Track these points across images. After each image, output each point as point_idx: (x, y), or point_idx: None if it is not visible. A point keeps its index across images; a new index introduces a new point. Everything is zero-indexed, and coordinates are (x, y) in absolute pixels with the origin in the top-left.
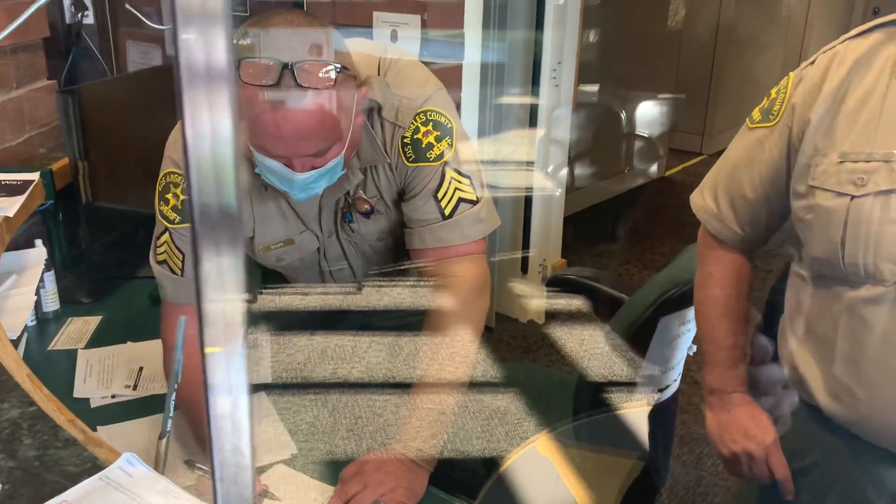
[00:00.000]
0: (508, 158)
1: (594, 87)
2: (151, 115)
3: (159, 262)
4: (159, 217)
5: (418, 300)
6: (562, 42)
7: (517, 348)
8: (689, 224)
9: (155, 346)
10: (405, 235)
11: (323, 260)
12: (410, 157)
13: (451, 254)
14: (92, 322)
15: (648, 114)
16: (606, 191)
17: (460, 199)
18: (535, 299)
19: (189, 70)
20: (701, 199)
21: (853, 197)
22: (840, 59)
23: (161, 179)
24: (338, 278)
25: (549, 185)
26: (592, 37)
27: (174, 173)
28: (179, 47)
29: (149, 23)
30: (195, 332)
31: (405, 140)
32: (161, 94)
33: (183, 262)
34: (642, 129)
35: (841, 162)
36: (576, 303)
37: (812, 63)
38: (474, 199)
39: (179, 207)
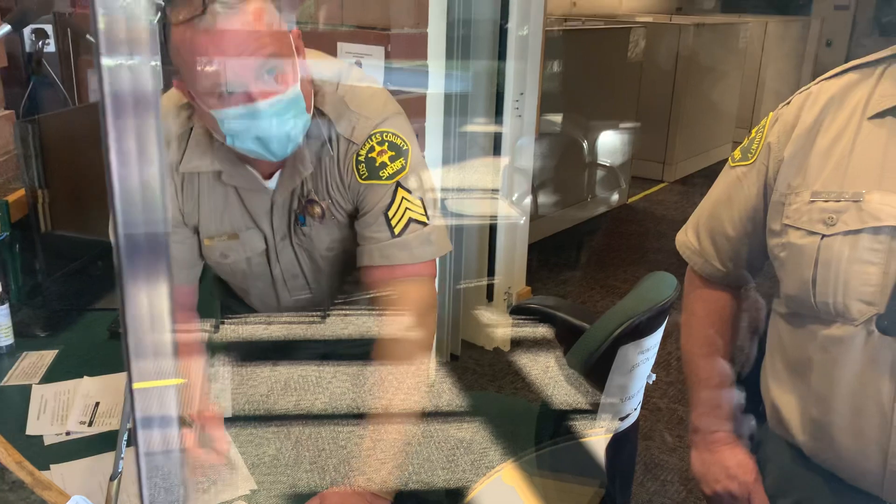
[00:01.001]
0: (474, 186)
1: (557, 117)
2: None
3: None
4: None
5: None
6: (524, 73)
7: (483, 376)
8: (650, 251)
9: (113, 379)
10: (356, 253)
11: (276, 264)
12: (363, 174)
13: (398, 273)
14: (47, 356)
15: (610, 143)
16: (569, 218)
17: (410, 220)
18: (500, 327)
19: (113, 98)
20: (685, 237)
21: (823, 236)
22: (813, 99)
23: None
24: (292, 288)
25: (513, 213)
26: (555, 67)
27: None
28: (103, 74)
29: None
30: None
31: (359, 158)
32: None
33: None
34: (604, 158)
35: (812, 201)
36: (540, 331)
37: (788, 103)
38: (425, 220)
39: None
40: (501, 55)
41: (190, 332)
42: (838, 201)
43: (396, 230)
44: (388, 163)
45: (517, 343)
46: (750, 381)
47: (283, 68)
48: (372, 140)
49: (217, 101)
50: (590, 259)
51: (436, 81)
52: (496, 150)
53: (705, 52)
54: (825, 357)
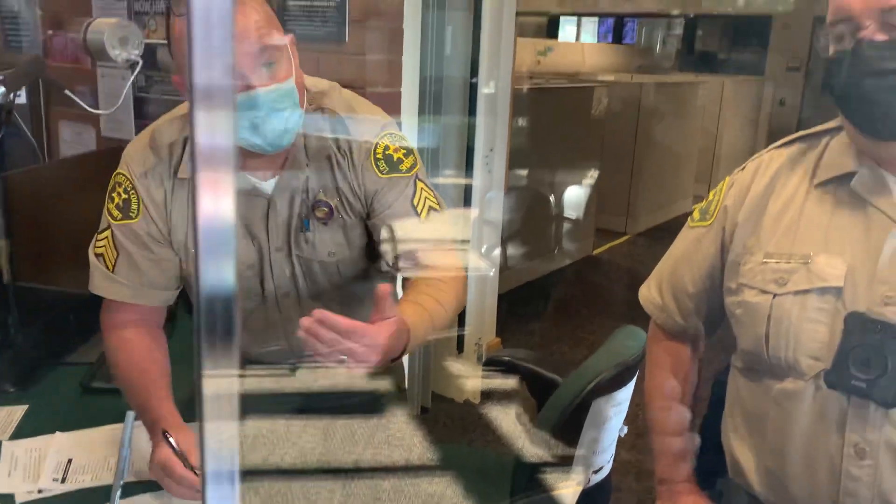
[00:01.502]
0: (443, 238)
1: (524, 171)
2: (82, 198)
3: (96, 255)
4: (105, 214)
5: (354, 382)
6: (494, 129)
7: (454, 429)
8: (615, 302)
9: (86, 435)
10: (382, 251)
11: (269, 279)
12: (384, 169)
13: (432, 249)
14: (17, 412)
15: (575, 196)
16: (537, 270)
17: (430, 208)
18: (470, 379)
19: (201, 151)
20: (648, 292)
21: (775, 295)
22: (765, 166)
23: (111, 180)
24: (283, 308)
25: (483, 265)
26: (522, 123)
27: (121, 174)
28: (195, 125)
29: (84, 105)
30: (132, 335)
31: (377, 155)
32: (92, 178)
33: (116, 260)
34: (570, 211)
35: (765, 262)
36: (510, 383)
37: (742, 169)
38: (438, 207)
39: (121, 206)
40: (472, 111)
41: (154, 347)
42: (789, 262)
43: (423, 217)
44: (404, 158)
45: (487, 395)
46: (712, 431)
47: (280, 63)
48: (385, 139)
49: None
50: (557, 310)
51: (408, 136)
52: (466, 202)
53: (665, 109)
54: (779, 410)
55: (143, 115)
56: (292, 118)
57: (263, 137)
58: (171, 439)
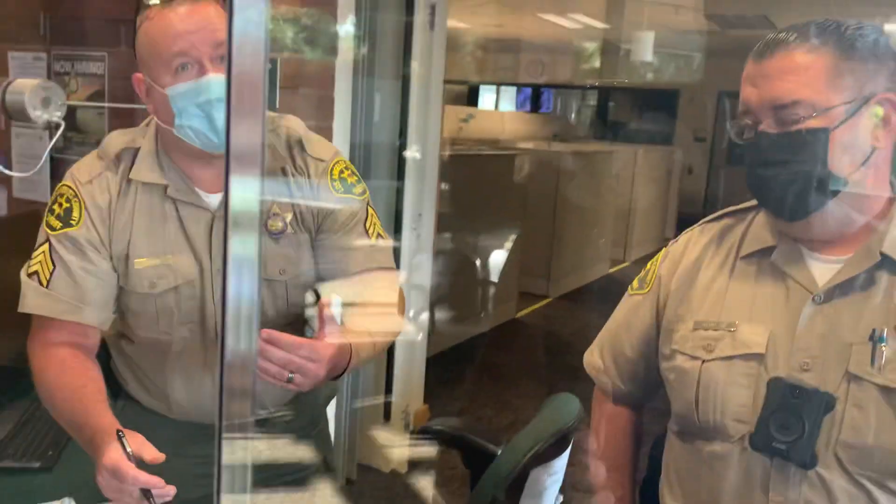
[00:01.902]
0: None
1: (450, 235)
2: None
3: (29, 274)
4: (42, 229)
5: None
6: (421, 193)
7: (380, 500)
8: (539, 365)
9: None
10: (329, 268)
11: (210, 300)
12: (339, 189)
13: (379, 273)
14: None
15: (499, 260)
16: (463, 334)
17: (378, 234)
18: (397, 448)
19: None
20: (590, 357)
21: (704, 360)
22: (696, 239)
23: (53, 194)
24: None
25: (411, 330)
26: (447, 188)
27: (65, 185)
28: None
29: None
30: (65, 355)
31: (333, 175)
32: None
33: (52, 274)
34: (494, 274)
35: (695, 329)
36: (438, 452)
37: (676, 241)
38: (385, 236)
39: (62, 215)
40: (400, 177)
41: (90, 367)
42: (716, 330)
43: (373, 240)
44: (356, 184)
45: (415, 465)
46: (652, 492)
47: None
48: (339, 164)
49: (172, 78)
50: (483, 374)
51: None
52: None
53: (582, 176)
54: (709, 471)
55: (60, 175)
56: None
57: (210, 125)
58: (123, 440)
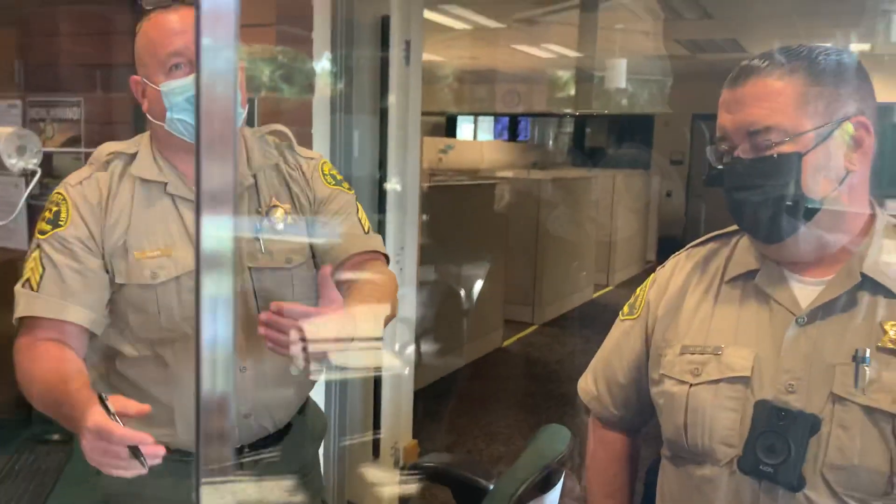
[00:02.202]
0: (356, 336)
1: (434, 267)
2: None
3: (22, 285)
4: (36, 235)
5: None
6: (403, 226)
7: None
8: (528, 394)
9: None
10: (326, 253)
11: None
12: (331, 182)
13: (373, 258)
14: None
15: (483, 289)
16: (449, 365)
17: (370, 227)
18: (387, 485)
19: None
20: (585, 384)
21: (691, 385)
22: (683, 263)
23: (46, 205)
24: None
25: (397, 364)
26: (429, 219)
27: (56, 193)
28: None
29: None
30: (50, 346)
31: (324, 171)
32: None
33: (41, 276)
34: (479, 304)
35: (682, 353)
36: (428, 488)
37: (663, 266)
38: (372, 230)
39: (51, 219)
40: (381, 209)
41: (73, 359)
42: (703, 354)
43: (365, 229)
44: (343, 181)
45: (405, 501)
46: None
47: None
48: (327, 163)
49: (166, 76)
50: (471, 406)
51: None
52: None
53: (562, 202)
54: (700, 495)
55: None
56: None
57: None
58: (107, 402)
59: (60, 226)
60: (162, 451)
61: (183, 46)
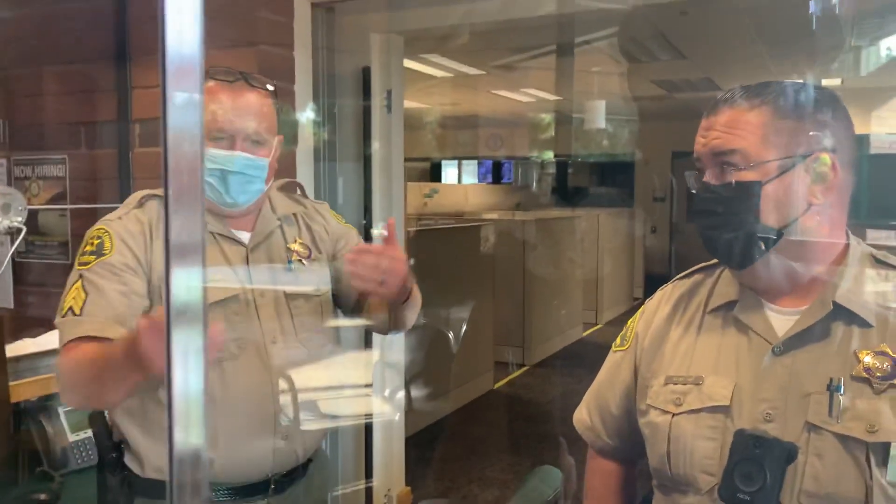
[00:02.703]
0: (345, 384)
1: (423, 310)
2: None
3: (63, 315)
4: (74, 272)
5: None
6: None
7: None
8: (521, 436)
9: None
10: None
11: (256, 324)
12: (342, 221)
13: None
14: None
15: (472, 331)
16: (440, 409)
17: None
18: None
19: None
20: (579, 414)
21: (673, 414)
22: (668, 295)
23: (84, 241)
24: (270, 357)
25: (387, 410)
26: (415, 263)
27: (95, 230)
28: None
29: None
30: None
31: (332, 213)
32: None
33: (85, 302)
34: (468, 346)
35: (666, 384)
36: None
37: (652, 298)
38: None
39: (94, 250)
40: None
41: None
42: (685, 384)
43: None
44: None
45: None
46: None
47: (265, 144)
48: (330, 209)
49: (210, 143)
50: (465, 450)
51: None
52: (366, 344)
53: (548, 242)
54: None
55: (23, 281)
56: (254, 185)
57: (227, 189)
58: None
59: (105, 255)
60: (223, 337)
61: (227, 124)
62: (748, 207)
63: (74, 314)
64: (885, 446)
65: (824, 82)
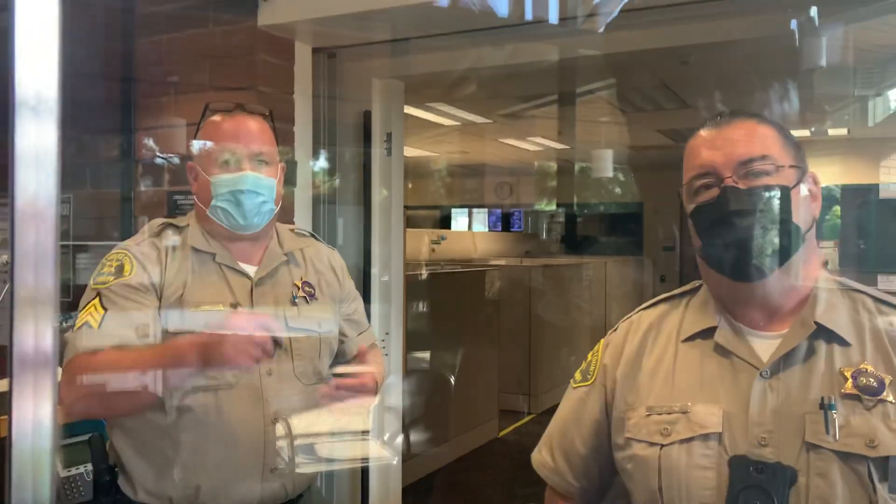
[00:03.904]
0: (343, 429)
1: (423, 354)
2: None
3: (78, 327)
4: (89, 289)
5: None
6: (388, 314)
7: None
8: (528, 484)
9: None
10: (349, 343)
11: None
12: (348, 275)
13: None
14: None
15: (476, 378)
16: (442, 456)
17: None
18: None
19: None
20: (539, 456)
21: (662, 445)
22: (636, 326)
23: (102, 262)
24: (265, 388)
25: (385, 454)
26: (419, 307)
27: (114, 253)
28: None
29: None
30: (111, 355)
31: (341, 263)
32: None
33: (103, 318)
34: (472, 393)
35: (648, 415)
36: None
37: (615, 330)
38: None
39: (113, 271)
40: (367, 298)
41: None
42: (670, 413)
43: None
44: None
45: None
46: None
47: (270, 165)
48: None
49: (219, 169)
50: (468, 500)
51: None
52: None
53: (554, 289)
54: None
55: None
56: (266, 205)
57: (241, 211)
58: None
59: (124, 276)
60: (270, 345)
61: (234, 148)
62: (779, 211)
63: (91, 328)
64: (886, 461)
65: (830, 132)
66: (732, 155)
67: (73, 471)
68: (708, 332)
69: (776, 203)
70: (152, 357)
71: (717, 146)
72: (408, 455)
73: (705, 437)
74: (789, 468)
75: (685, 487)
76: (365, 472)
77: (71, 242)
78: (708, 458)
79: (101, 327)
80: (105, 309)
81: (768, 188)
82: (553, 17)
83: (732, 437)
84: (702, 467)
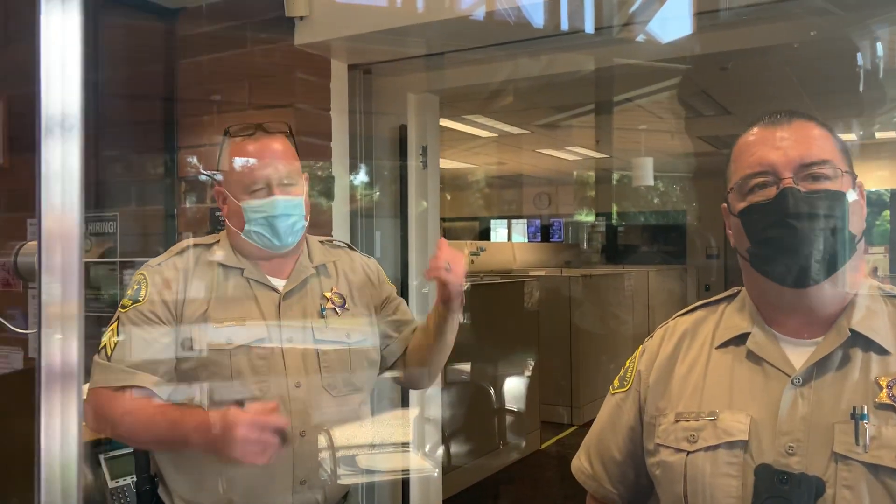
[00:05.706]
0: (384, 441)
1: (463, 366)
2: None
3: (98, 351)
4: (119, 308)
5: None
6: None
7: None
8: (570, 497)
9: None
10: (395, 341)
11: (281, 369)
12: (388, 281)
13: None
14: None
15: (517, 389)
16: (484, 469)
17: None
18: None
19: (48, 370)
20: (578, 462)
21: (688, 452)
22: (671, 332)
23: (131, 280)
24: (293, 401)
25: (426, 466)
26: (459, 318)
27: (139, 273)
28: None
29: (11, 327)
30: (141, 399)
31: (380, 269)
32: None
33: (115, 346)
34: (512, 404)
35: (677, 421)
36: None
37: (651, 336)
38: None
39: (132, 295)
40: None
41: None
42: (698, 420)
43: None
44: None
45: None
46: None
47: (296, 183)
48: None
49: (248, 195)
50: None
51: None
52: (404, 401)
53: (595, 299)
54: None
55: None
56: (298, 224)
57: (275, 233)
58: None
59: (139, 301)
60: (284, 421)
61: (262, 174)
62: (836, 217)
63: (106, 356)
64: None
65: (878, 136)
66: (793, 155)
67: (121, 482)
68: (741, 339)
69: (834, 209)
70: (166, 426)
71: (775, 145)
72: (448, 467)
73: (731, 445)
74: (816, 479)
75: (710, 495)
76: (406, 483)
77: (118, 259)
78: (733, 467)
79: (111, 359)
80: (118, 336)
81: (829, 194)
82: (589, 26)
83: (759, 445)
84: (726, 475)
